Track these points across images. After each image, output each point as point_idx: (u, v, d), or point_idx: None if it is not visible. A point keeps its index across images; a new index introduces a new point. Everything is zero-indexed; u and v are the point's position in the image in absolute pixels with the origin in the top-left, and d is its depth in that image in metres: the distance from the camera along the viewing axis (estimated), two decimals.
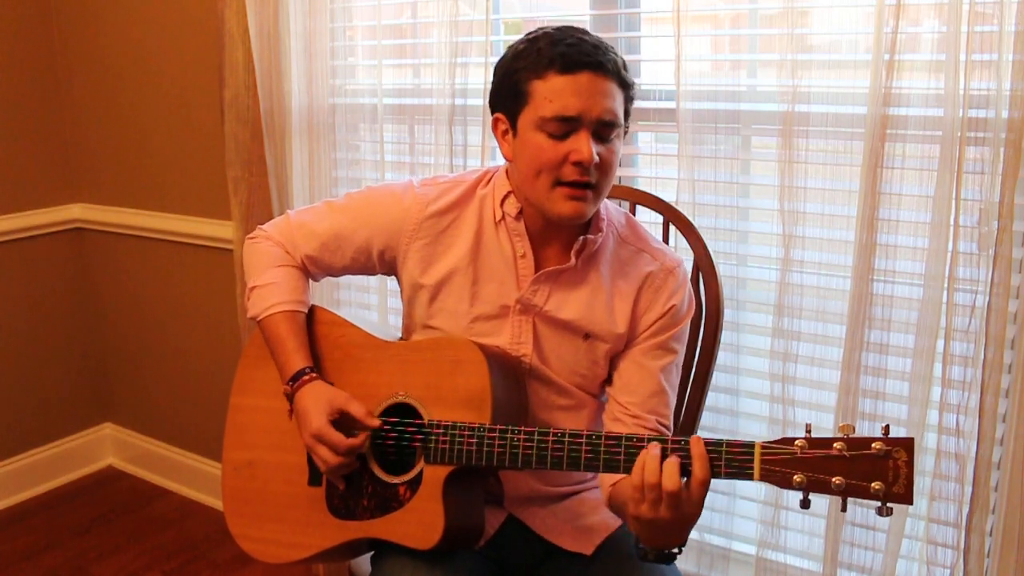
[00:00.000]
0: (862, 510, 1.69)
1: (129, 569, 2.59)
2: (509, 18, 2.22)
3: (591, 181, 1.33)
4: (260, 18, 2.20)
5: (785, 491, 1.75)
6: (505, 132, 1.39)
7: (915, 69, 1.51)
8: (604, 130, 1.32)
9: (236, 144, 2.35)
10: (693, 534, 1.94)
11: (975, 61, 1.44)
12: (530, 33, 1.37)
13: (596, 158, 1.31)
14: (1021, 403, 1.51)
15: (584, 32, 1.34)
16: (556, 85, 1.30)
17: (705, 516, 1.91)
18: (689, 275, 1.66)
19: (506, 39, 2.16)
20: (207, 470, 2.90)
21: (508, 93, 1.35)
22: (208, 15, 2.42)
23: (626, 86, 1.35)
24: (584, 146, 1.30)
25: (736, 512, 1.92)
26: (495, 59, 1.99)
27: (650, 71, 1.95)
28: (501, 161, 1.47)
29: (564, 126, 1.30)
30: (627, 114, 1.37)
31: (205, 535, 2.72)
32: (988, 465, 1.53)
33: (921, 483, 1.63)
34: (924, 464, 1.62)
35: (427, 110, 2.08)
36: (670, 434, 1.47)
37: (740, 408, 1.90)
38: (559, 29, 1.34)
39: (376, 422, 1.39)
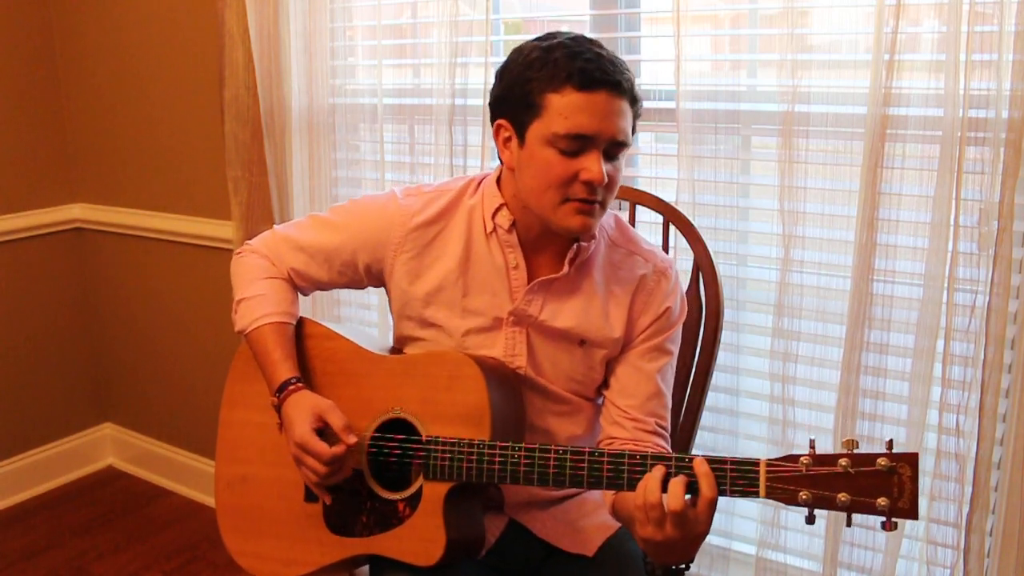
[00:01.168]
0: None
1: (129, 569, 2.59)
2: (509, 18, 2.22)
3: (599, 199, 1.32)
4: (260, 18, 2.20)
5: None
6: (508, 139, 1.36)
7: (915, 69, 1.51)
8: (614, 149, 1.31)
9: (236, 144, 2.35)
10: None
11: (975, 61, 1.44)
12: (542, 40, 1.33)
13: (606, 178, 1.30)
14: (1021, 403, 1.52)
15: (599, 46, 1.31)
16: (573, 101, 1.26)
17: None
18: (689, 275, 1.67)
19: (506, 39, 2.16)
20: (207, 470, 2.90)
21: (518, 102, 1.31)
22: (208, 15, 2.42)
23: (636, 104, 1.33)
24: (596, 166, 1.28)
25: (736, 512, 1.92)
26: (495, 59, 1.98)
27: (650, 71, 1.95)
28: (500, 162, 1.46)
29: (576, 143, 1.28)
30: (633, 129, 1.35)
31: (205, 535, 2.73)
32: (988, 465, 1.53)
33: (921, 483, 1.63)
34: (924, 464, 1.62)
35: (427, 110, 2.08)
36: (668, 434, 1.47)
37: (740, 408, 1.90)
38: (574, 40, 1.31)
39: (352, 439, 1.36)
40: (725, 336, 1.72)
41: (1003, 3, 1.40)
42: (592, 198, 1.31)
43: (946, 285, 1.53)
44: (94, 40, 2.82)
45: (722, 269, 1.73)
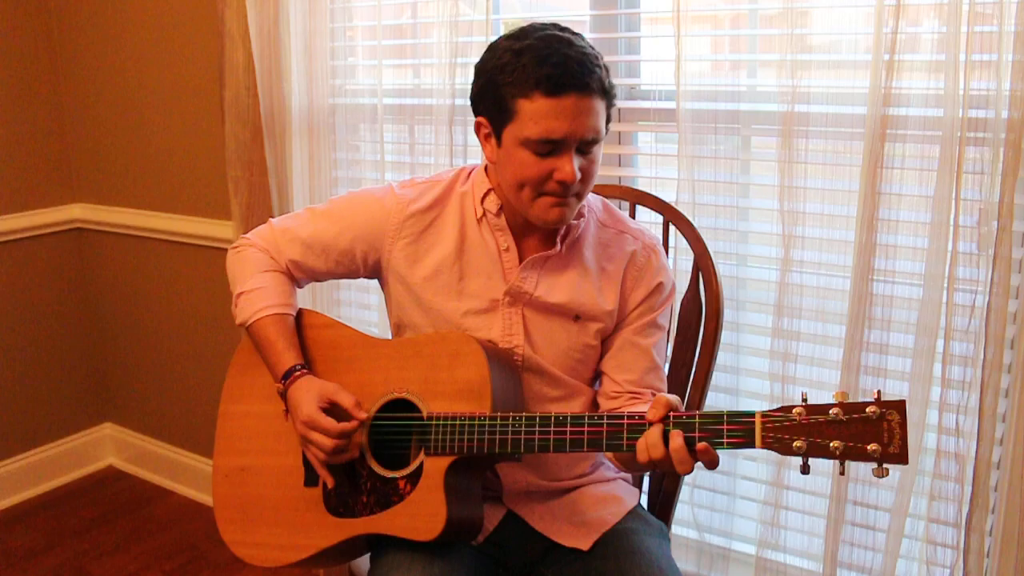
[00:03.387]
0: (862, 509, 1.69)
1: (129, 569, 2.59)
2: (509, 18, 2.22)
3: (574, 192, 1.37)
4: (260, 18, 2.20)
5: (784, 491, 1.76)
6: (488, 135, 1.41)
7: (915, 69, 1.51)
8: (586, 146, 1.35)
9: (236, 144, 2.35)
10: (693, 533, 1.95)
11: (975, 61, 1.44)
12: (514, 38, 1.35)
13: (579, 174, 1.34)
14: (1021, 403, 1.51)
15: (568, 44, 1.33)
16: (542, 108, 1.30)
17: (705, 516, 1.93)
18: (689, 275, 1.67)
19: None
20: (207, 470, 2.90)
21: (492, 104, 1.36)
22: (208, 15, 2.42)
23: (609, 97, 1.36)
24: (568, 167, 1.33)
25: (736, 512, 1.92)
26: None
27: (650, 71, 1.95)
28: None
29: (549, 146, 1.33)
30: (608, 119, 1.38)
31: (205, 535, 2.73)
32: (988, 465, 1.53)
33: (921, 483, 1.64)
34: (924, 464, 1.62)
35: (427, 110, 2.08)
36: None
37: (740, 408, 1.89)
38: (544, 39, 1.33)
39: (363, 414, 1.40)
40: (725, 336, 1.72)
41: (1003, 3, 1.40)
42: (567, 193, 1.36)
43: (946, 285, 1.53)
44: (94, 40, 2.82)
45: (722, 269, 1.73)
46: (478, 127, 1.42)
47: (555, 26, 1.36)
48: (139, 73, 2.73)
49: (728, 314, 1.73)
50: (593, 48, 1.36)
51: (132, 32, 2.71)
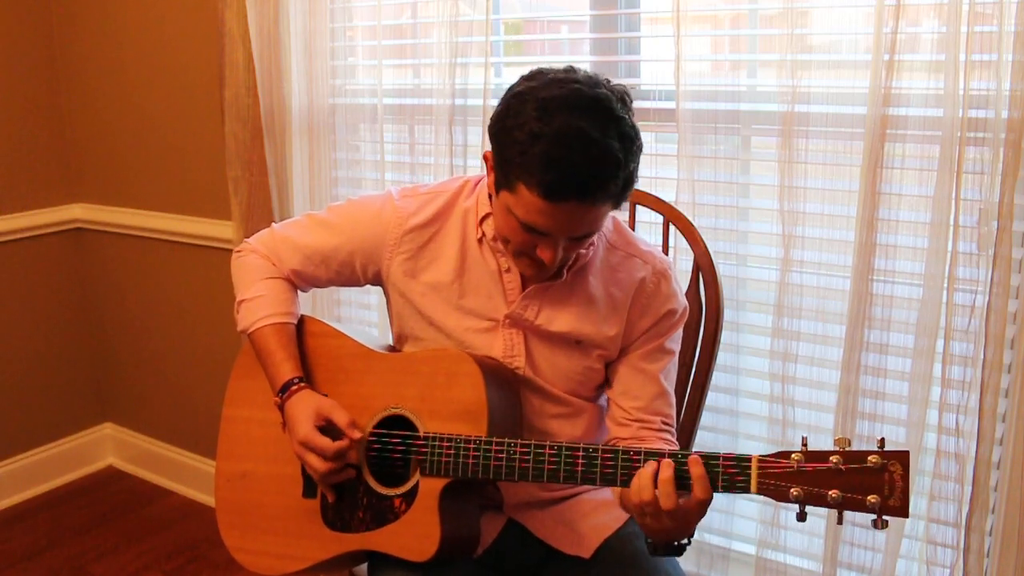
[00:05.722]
0: None
1: (129, 569, 2.59)
2: (509, 18, 2.22)
3: (554, 270, 1.36)
4: (260, 18, 2.21)
5: None
6: (492, 169, 1.34)
7: (915, 69, 1.51)
8: (577, 239, 1.31)
9: (236, 144, 2.35)
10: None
11: (975, 61, 1.44)
12: (541, 109, 1.22)
13: (562, 256, 1.32)
14: (1021, 403, 1.52)
15: (588, 143, 1.20)
16: (537, 203, 1.23)
17: (705, 516, 1.92)
18: (689, 275, 1.67)
19: (506, 39, 2.16)
20: (207, 470, 2.90)
21: (498, 160, 1.29)
22: (208, 15, 2.42)
23: (622, 195, 1.28)
24: (549, 252, 1.30)
25: (736, 512, 1.92)
26: (495, 59, 1.97)
27: (650, 71, 1.95)
28: None
29: (534, 231, 1.28)
30: (623, 200, 1.30)
31: (205, 535, 2.73)
32: (988, 465, 1.53)
33: (921, 483, 1.64)
34: (924, 464, 1.62)
35: (427, 110, 2.08)
36: (673, 427, 1.48)
37: (740, 408, 1.90)
38: (564, 131, 1.20)
39: (357, 434, 1.38)
40: (725, 336, 1.72)
41: (1003, 3, 1.40)
42: (546, 271, 1.35)
43: (946, 285, 1.53)
44: (94, 40, 2.82)
45: (722, 269, 1.73)
46: (486, 157, 1.35)
47: (593, 105, 1.23)
48: (139, 73, 2.73)
49: (728, 314, 1.73)
50: (627, 133, 1.26)
51: (132, 32, 2.71)
